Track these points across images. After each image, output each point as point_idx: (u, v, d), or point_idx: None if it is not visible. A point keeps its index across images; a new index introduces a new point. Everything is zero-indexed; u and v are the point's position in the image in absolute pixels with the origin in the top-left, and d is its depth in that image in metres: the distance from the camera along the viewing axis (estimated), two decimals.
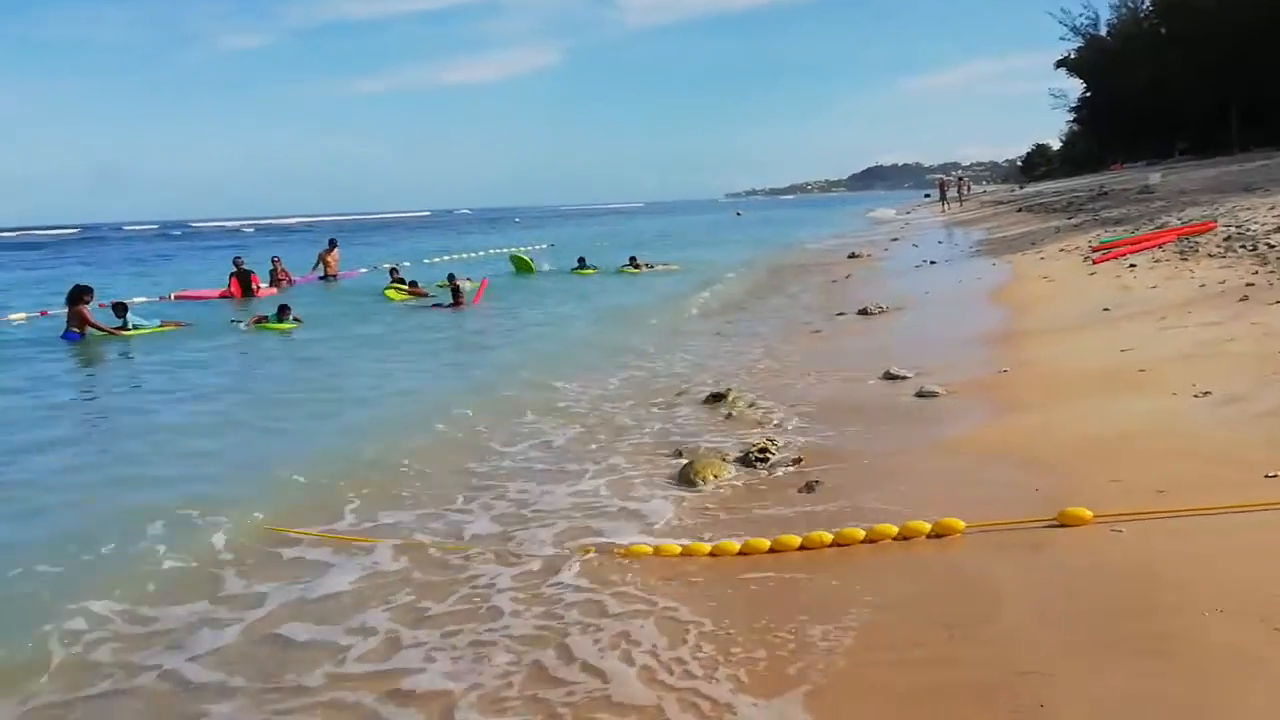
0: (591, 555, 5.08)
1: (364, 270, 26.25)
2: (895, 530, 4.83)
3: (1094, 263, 14.79)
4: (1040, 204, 36.31)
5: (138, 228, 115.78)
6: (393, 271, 21.33)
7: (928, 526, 4.80)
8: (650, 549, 5.08)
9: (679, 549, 5.04)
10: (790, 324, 13.54)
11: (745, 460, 6.58)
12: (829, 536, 4.87)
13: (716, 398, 8.73)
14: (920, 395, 7.98)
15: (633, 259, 24.50)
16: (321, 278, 26.00)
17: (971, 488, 5.46)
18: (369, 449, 7.41)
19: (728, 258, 29.49)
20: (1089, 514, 4.60)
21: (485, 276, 19.68)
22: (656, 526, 5.50)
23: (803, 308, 15.42)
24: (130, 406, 10.22)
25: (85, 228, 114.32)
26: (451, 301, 17.43)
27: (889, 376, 8.96)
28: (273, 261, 23.31)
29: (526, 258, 26.79)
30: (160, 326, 15.70)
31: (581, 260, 25.46)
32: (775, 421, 7.73)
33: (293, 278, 23.92)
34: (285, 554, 5.39)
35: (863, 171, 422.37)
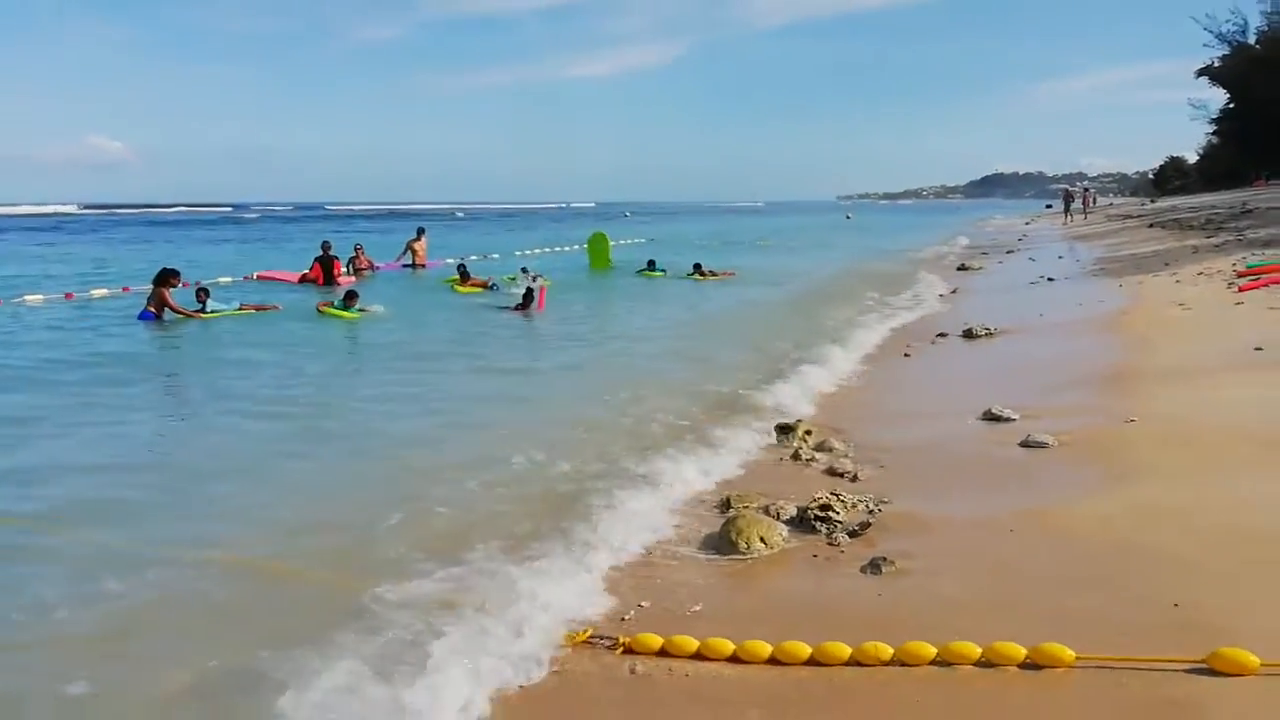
0: (582, 644, 4.03)
1: (450, 261, 25.78)
2: (978, 652, 3.64)
3: (1239, 290, 13.00)
4: (1174, 220, 33.57)
5: (278, 208, 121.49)
6: (460, 267, 20.79)
7: (1023, 652, 3.59)
8: (660, 641, 4.00)
9: (695, 645, 3.95)
10: (883, 343, 12.19)
11: (802, 519, 5.43)
12: (888, 651, 3.71)
13: (783, 430, 7.57)
14: (1026, 445, 6.66)
15: (698, 265, 23.26)
16: (408, 265, 25.73)
17: (1084, 590, 4.20)
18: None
19: (825, 263, 28.07)
20: (1255, 660, 3.33)
21: (543, 283, 18.80)
22: (676, 608, 4.41)
23: (900, 326, 14.01)
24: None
25: (236, 206, 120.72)
26: (521, 304, 16.59)
27: (990, 417, 7.64)
28: (355, 249, 23.02)
29: (608, 245, 26.03)
30: (239, 309, 15.50)
31: (651, 263, 24.35)
32: (847, 468, 6.53)
33: (375, 265, 23.65)
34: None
35: (981, 179, 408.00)
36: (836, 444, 7.19)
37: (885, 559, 4.71)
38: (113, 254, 35.24)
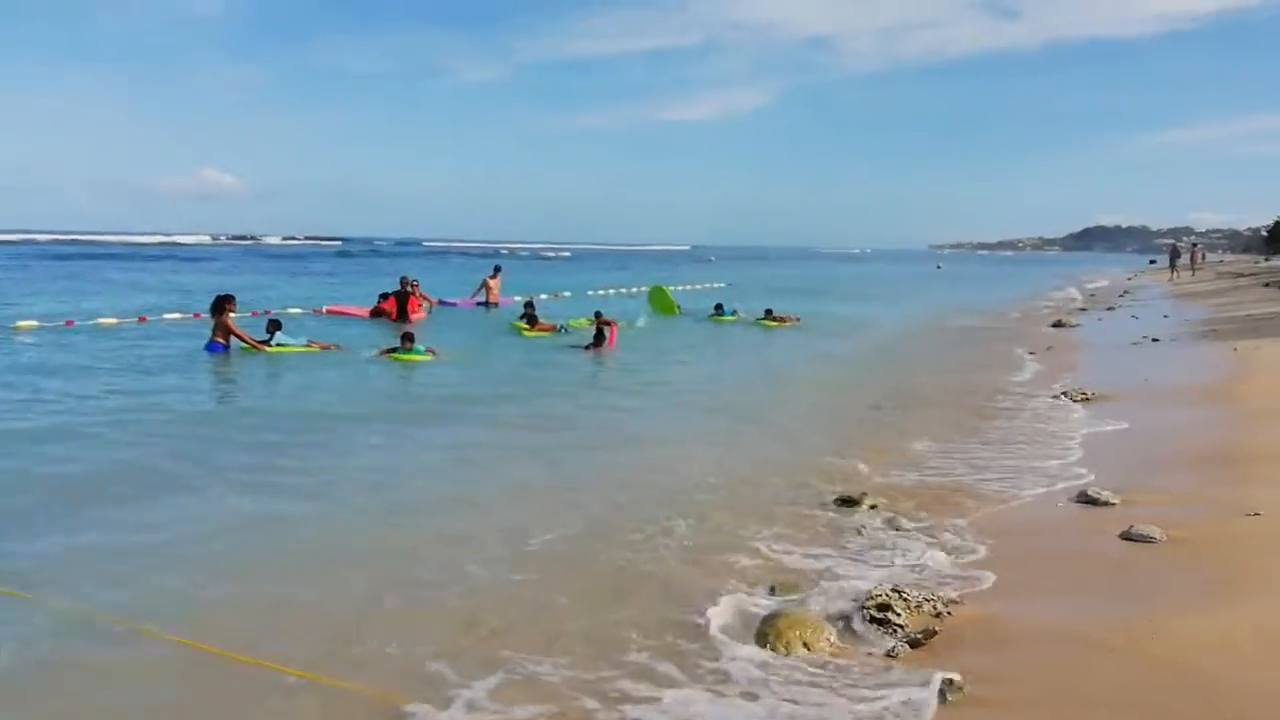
0: None
1: (519, 298, 25.53)
2: None
3: None
4: None
5: (379, 242, 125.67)
6: (527, 305, 20.07)
7: None
8: None
9: None
10: (966, 405, 11.22)
11: (857, 616, 4.65)
12: None
13: (847, 503, 6.78)
14: (1129, 538, 5.73)
15: (769, 311, 22.49)
16: (481, 303, 25.55)
17: None
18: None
19: (911, 315, 26.97)
20: None
21: (615, 322, 18.18)
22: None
23: (987, 385, 12.97)
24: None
25: (345, 240, 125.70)
26: (592, 343, 16.10)
27: (1085, 499, 6.72)
28: (410, 285, 22.29)
29: (669, 295, 25.30)
30: (306, 346, 15.17)
31: (719, 307, 23.61)
32: (916, 553, 5.71)
33: (432, 300, 23.15)
34: None
35: (1081, 231, 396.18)
36: (905, 522, 6.36)
37: (952, 681, 3.90)
38: (208, 282, 36.11)
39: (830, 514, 6.57)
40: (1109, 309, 28.37)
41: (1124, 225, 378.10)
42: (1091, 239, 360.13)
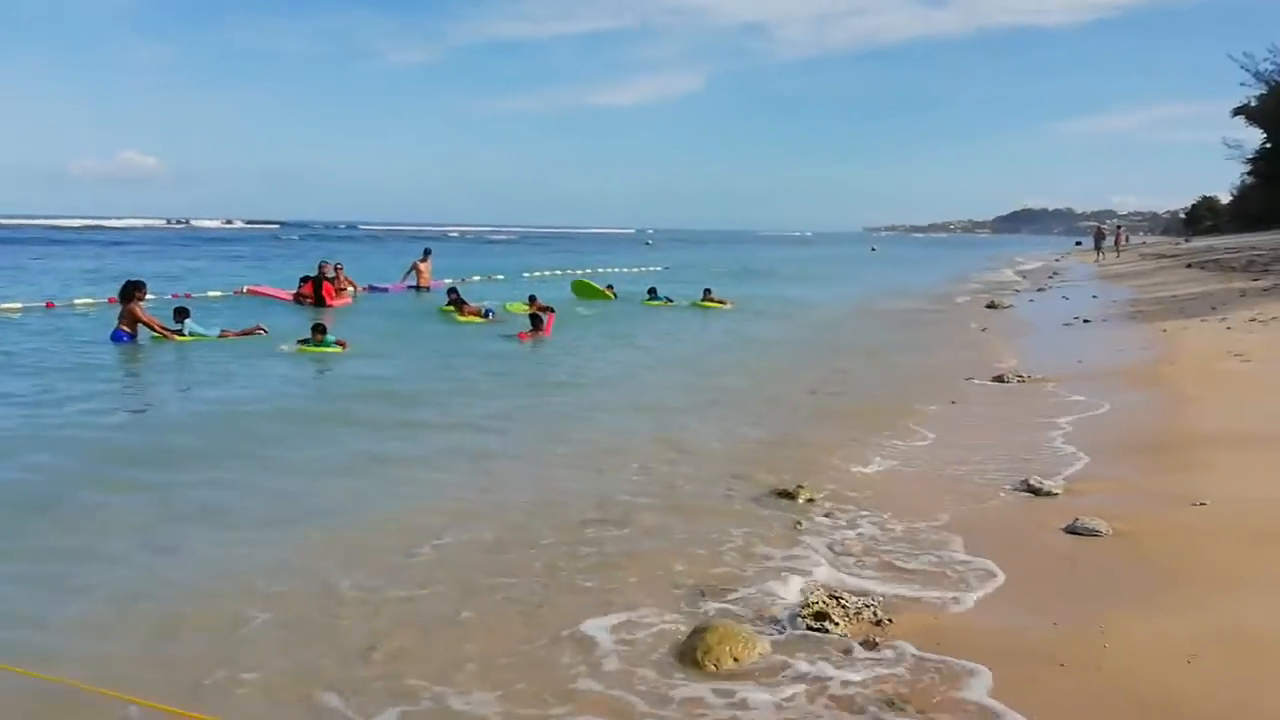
0: None
1: (448, 282, 24.88)
2: None
3: None
4: (1213, 260, 32.17)
5: (317, 226, 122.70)
6: (451, 291, 19.37)
7: None
8: None
9: None
10: (904, 391, 10.97)
11: (791, 625, 4.28)
12: None
13: (784, 495, 6.42)
14: (1074, 531, 5.46)
15: (707, 292, 22.18)
16: (413, 287, 24.93)
17: None
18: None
19: (847, 297, 26.92)
20: None
21: (552, 310, 17.67)
22: None
23: (922, 369, 12.78)
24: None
25: (282, 224, 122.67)
26: (530, 329, 15.51)
27: (1028, 489, 6.46)
28: (334, 269, 21.57)
29: (591, 284, 24.79)
30: (220, 335, 14.35)
31: (652, 291, 23.18)
32: (856, 549, 5.37)
33: (358, 286, 22.37)
34: None
35: (1009, 214, 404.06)
36: (846, 511, 6.02)
37: (892, 703, 3.55)
38: (130, 266, 34.51)
39: (766, 510, 6.20)
40: (1039, 290, 28.68)
41: (1050, 208, 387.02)
42: (1019, 221, 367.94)
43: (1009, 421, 8.98)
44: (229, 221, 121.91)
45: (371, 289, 23.91)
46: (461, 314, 18.04)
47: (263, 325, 14.89)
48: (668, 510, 6.15)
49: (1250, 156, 72.39)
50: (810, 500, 6.32)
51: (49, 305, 17.80)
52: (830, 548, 5.43)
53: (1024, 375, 11.29)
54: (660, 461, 7.48)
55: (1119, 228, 60.90)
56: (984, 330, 17.26)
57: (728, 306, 21.53)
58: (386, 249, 55.92)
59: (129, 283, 14.45)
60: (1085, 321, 17.64)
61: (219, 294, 21.09)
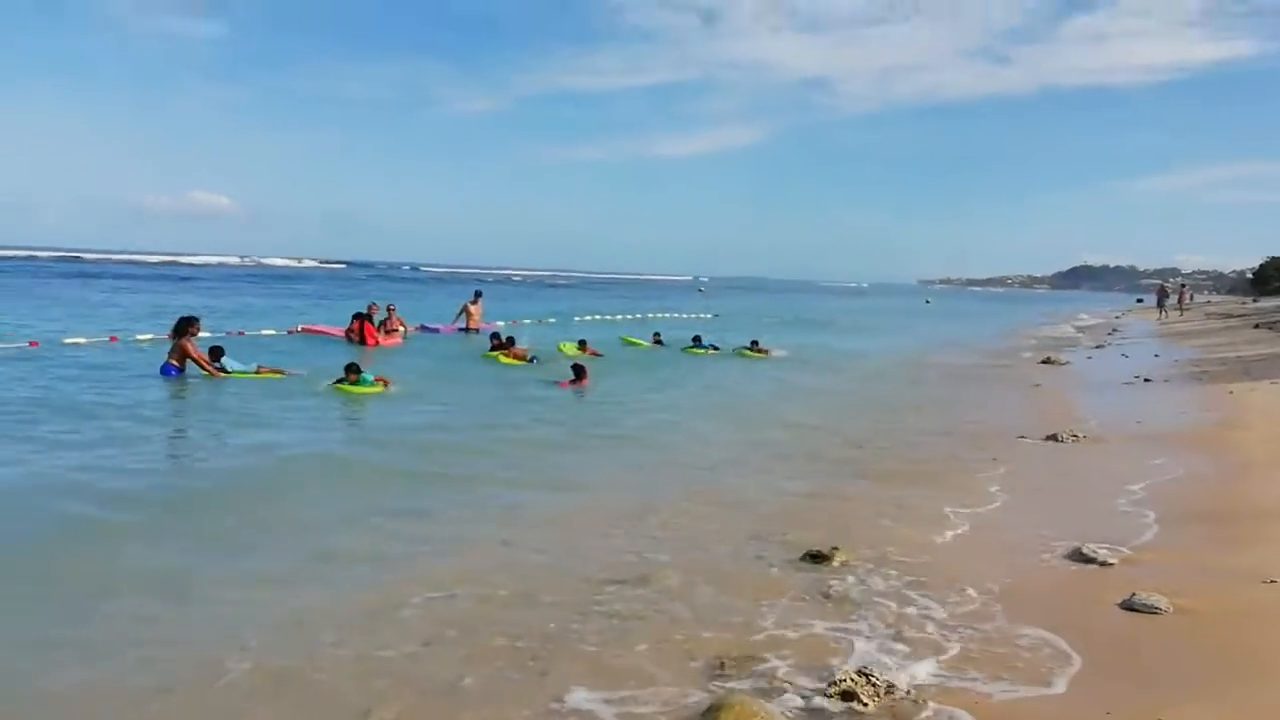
0: None
1: (500, 325, 24.87)
2: None
3: None
4: None
5: (381, 266, 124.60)
6: (493, 336, 19.38)
7: None
8: None
9: None
10: (952, 449, 10.56)
11: (816, 703, 3.95)
12: None
13: (816, 559, 6.08)
14: (1131, 608, 5.06)
15: (754, 342, 21.84)
16: (463, 329, 24.92)
17: None
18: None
19: (899, 349, 26.42)
20: None
21: (598, 354, 17.56)
22: None
23: (972, 427, 12.28)
24: None
25: (349, 264, 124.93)
26: (573, 378, 15.29)
27: (1080, 557, 6.05)
28: (387, 310, 21.88)
29: (630, 339, 24.46)
30: (256, 373, 14.42)
31: (697, 339, 22.83)
32: (891, 619, 5.02)
33: (408, 326, 22.51)
34: None
35: (1069, 270, 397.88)
36: (881, 579, 5.67)
37: None
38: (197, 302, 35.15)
39: (796, 573, 5.87)
40: (1098, 347, 27.90)
41: (1111, 265, 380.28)
42: (1079, 278, 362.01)
43: (1059, 484, 8.55)
44: (299, 260, 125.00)
45: (423, 329, 24.01)
46: (507, 357, 18.01)
47: (295, 369, 14.80)
48: (691, 570, 5.84)
49: None
50: (844, 563, 5.99)
51: (112, 339, 18.08)
52: (862, 618, 5.08)
53: (1079, 435, 10.81)
54: (690, 517, 7.19)
55: (1183, 285, 59.48)
56: (1037, 386, 16.71)
57: (774, 356, 21.21)
58: (446, 290, 56.27)
59: (182, 318, 14.64)
60: (1146, 380, 17.00)
61: (273, 332, 21.30)
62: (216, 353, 14.68)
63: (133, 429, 10.14)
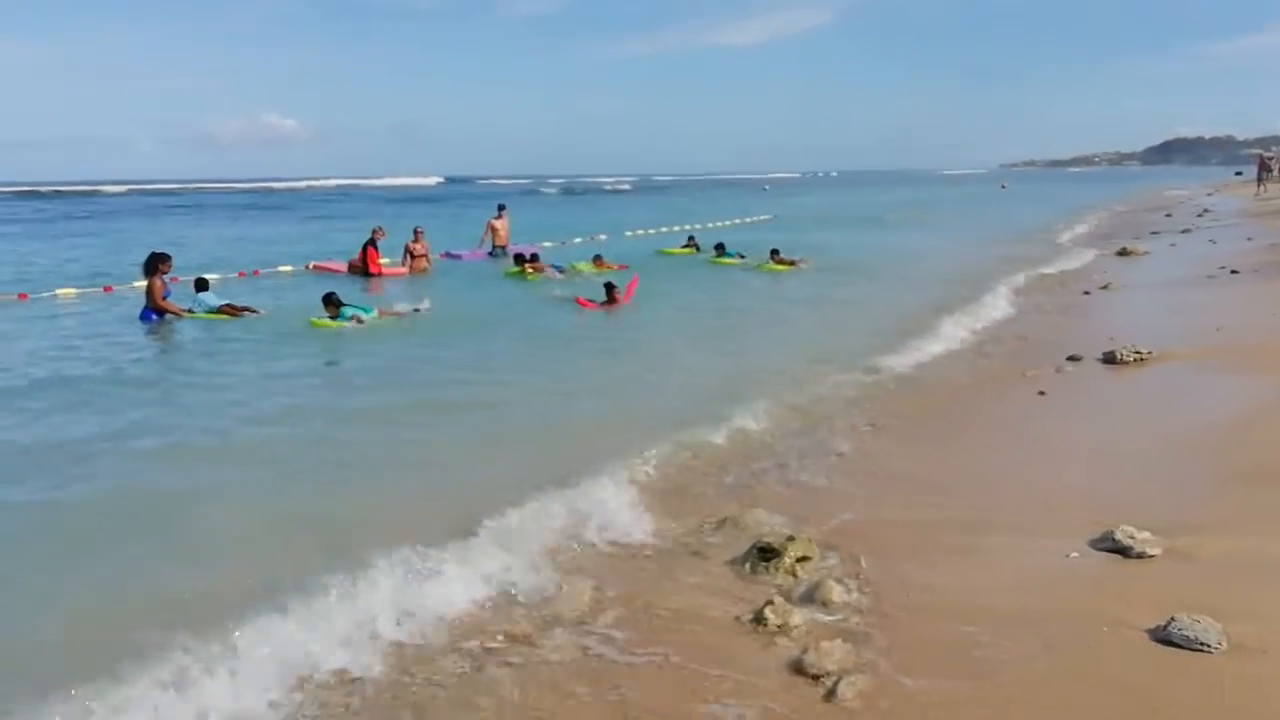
0: None
1: (546, 245, 23.38)
2: None
3: None
4: None
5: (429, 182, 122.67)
6: (518, 257, 18.29)
7: None
8: None
9: None
10: (976, 377, 8.99)
11: None
12: None
13: (765, 554, 4.75)
14: (1168, 641, 3.63)
15: (774, 252, 19.52)
16: (490, 253, 23.19)
17: None
18: None
19: (954, 248, 24.28)
20: None
21: (635, 273, 16.13)
22: None
23: (1013, 346, 10.56)
24: None
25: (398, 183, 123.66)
26: (605, 299, 13.90)
27: (1112, 546, 4.59)
28: (414, 233, 20.35)
29: (670, 249, 22.66)
30: (217, 313, 13.13)
31: (720, 247, 20.95)
32: (830, 664, 3.68)
33: (431, 254, 20.92)
34: None
35: (1161, 144, 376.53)
36: (836, 593, 4.31)
37: None
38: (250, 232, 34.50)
39: (737, 570, 4.58)
40: (1184, 231, 25.25)
41: (1207, 136, 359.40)
42: (1172, 152, 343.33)
43: (1108, 422, 6.98)
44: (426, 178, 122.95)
45: (447, 255, 22.30)
46: (531, 273, 17.18)
47: (257, 308, 13.44)
48: (612, 566, 4.58)
49: None
50: (800, 560, 4.64)
51: (107, 290, 17.09)
52: (802, 643, 3.77)
53: (1141, 352, 9.09)
54: (636, 491, 5.84)
55: None
56: (1105, 287, 14.75)
57: (802, 266, 19.12)
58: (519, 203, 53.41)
59: (152, 254, 13.54)
60: (1234, 273, 14.89)
61: (290, 269, 20.22)
62: (201, 284, 13.71)
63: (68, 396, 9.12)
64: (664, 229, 30.71)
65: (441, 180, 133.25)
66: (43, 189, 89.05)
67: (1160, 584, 4.13)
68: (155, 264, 13.34)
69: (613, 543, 5.05)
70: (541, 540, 4.98)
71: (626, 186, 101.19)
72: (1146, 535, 4.60)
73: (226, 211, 52.37)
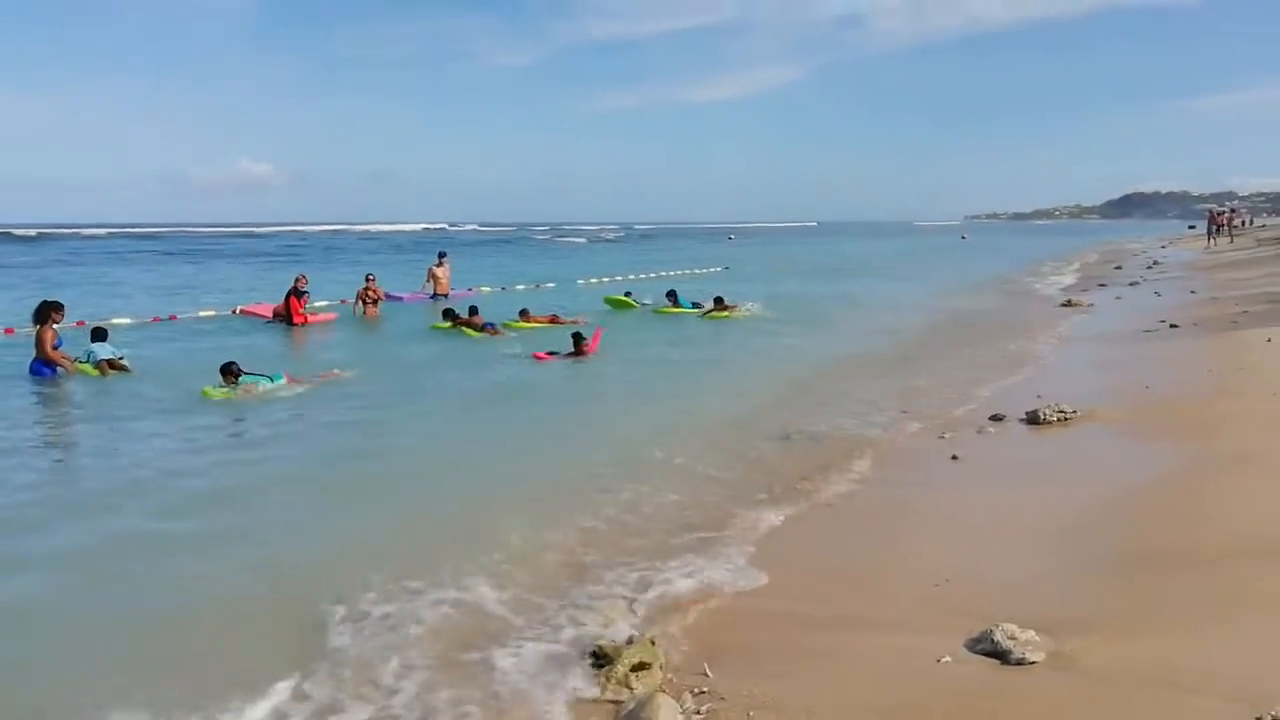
0: None
1: (478, 289, 22.79)
2: None
3: None
4: None
5: (407, 229, 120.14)
6: (446, 312, 17.25)
7: None
8: None
9: None
10: (899, 433, 8.49)
11: None
12: None
13: (599, 659, 4.13)
14: None
15: (718, 299, 19.08)
16: (432, 296, 22.80)
17: None
18: None
19: (907, 294, 24.03)
20: None
21: (600, 325, 15.52)
22: None
23: (939, 399, 10.13)
24: None
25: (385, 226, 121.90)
26: (573, 350, 13.38)
27: (989, 649, 4.01)
28: (366, 279, 20.03)
29: (623, 298, 21.94)
30: (95, 368, 12.20)
31: (671, 294, 20.41)
32: None
33: (384, 296, 20.38)
34: None
35: (1120, 198, 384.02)
36: (664, 715, 3.69)
37: None
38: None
39: (570, 681, 3.96)
40: (1132, 284, 25.17)
41: (1164, 191, 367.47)
42: (1131, 206, 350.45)
43: (1019, 490, 6.46)
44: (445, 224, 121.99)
45: (388, 296, 21.65)
46: (476, 330, 16.21)
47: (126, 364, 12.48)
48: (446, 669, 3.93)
49: None
50: (637, 669, 4.02)
51: (8, 331, 16.26)
52: None
53: (1065, 411, 8.62)
54: (470, 576, 5.20)
55: (1231, 209, 55.58)
56: (1044, 339, 14.38)
57: (743, 314, 18.66)
58: (478, 252, 52.61)
59: (43, 303, 12.69)
60: (1173, 326, 14.60)
61: (211, 313, 19.49)
62: (98, 334, 12.90)
63: None
64: (618, 277, 30.17)
65: (428, 227, 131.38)
66: (15, 231, 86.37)
67: (1035, 701, 3.56)
68: (47, 313, 12.53)
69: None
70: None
71: (611, 236, 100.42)
72: (1030, 636, 4.04)
73: (190, 256, 51.00)
